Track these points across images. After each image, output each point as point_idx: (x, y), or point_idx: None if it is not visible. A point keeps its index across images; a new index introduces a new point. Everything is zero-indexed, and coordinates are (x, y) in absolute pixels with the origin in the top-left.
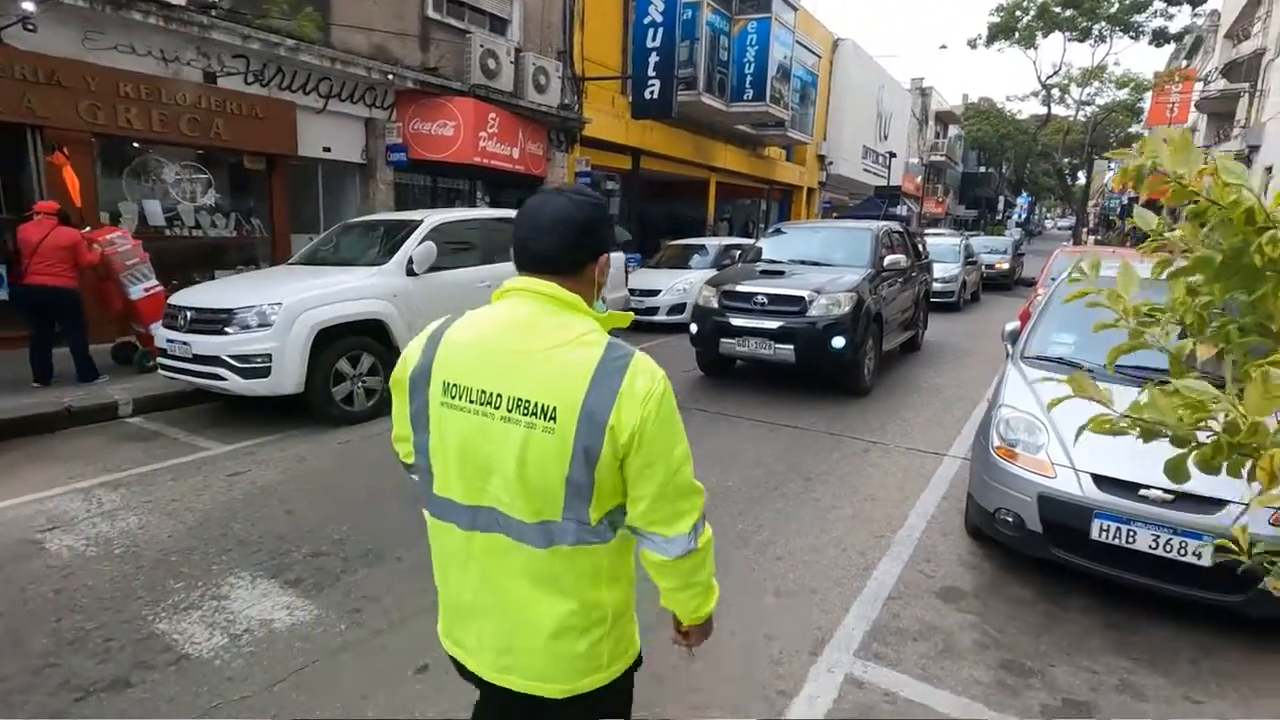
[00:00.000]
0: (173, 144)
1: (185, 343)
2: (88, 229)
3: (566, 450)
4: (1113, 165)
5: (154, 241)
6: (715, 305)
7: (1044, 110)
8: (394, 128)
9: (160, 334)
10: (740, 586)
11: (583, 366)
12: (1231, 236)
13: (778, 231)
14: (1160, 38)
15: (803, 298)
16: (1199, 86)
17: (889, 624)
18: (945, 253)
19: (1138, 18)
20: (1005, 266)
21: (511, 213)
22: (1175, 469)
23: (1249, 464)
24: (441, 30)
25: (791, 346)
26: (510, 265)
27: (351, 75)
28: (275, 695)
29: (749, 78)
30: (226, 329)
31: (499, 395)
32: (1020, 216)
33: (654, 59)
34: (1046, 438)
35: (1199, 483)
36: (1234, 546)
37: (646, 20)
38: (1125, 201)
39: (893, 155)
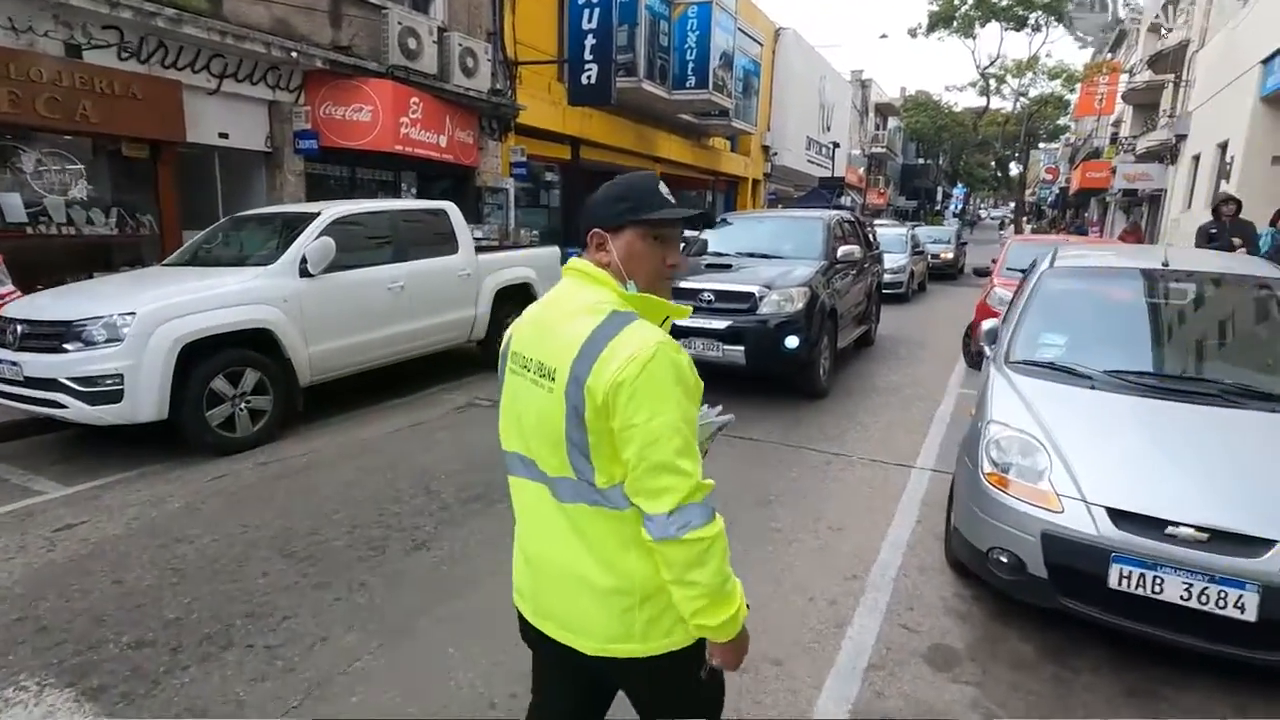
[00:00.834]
0: (29, 127)
1: (15, 363)
2: None
3: (560, 409)
4: (1044, 159)
5: (12, 240)
6: None
7: (983, 101)
8: (302, 112)
9: None
10: None
11: (580, 331)
12: None
13: (723, 222)
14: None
15: (752, 294)
16: (1124, 79)
17: (872, 705)
18: (892, 242)
19: (1071, 6)
20: (950, 256)
21: (430, 204)
22: None
23: None
24: (354, 5)
25: (741, 348)
26: (427, 263)
27: (249, 52)
28: None
29: (691, 64)
30: (66, 345)
31: (531, 359)
32: (957, 207)
33: (590, 41)
34: (1048, 462)
35: (1240, 518)
36: None
37: (581, 0)
38: (1056, 192)
39: (836, 145)
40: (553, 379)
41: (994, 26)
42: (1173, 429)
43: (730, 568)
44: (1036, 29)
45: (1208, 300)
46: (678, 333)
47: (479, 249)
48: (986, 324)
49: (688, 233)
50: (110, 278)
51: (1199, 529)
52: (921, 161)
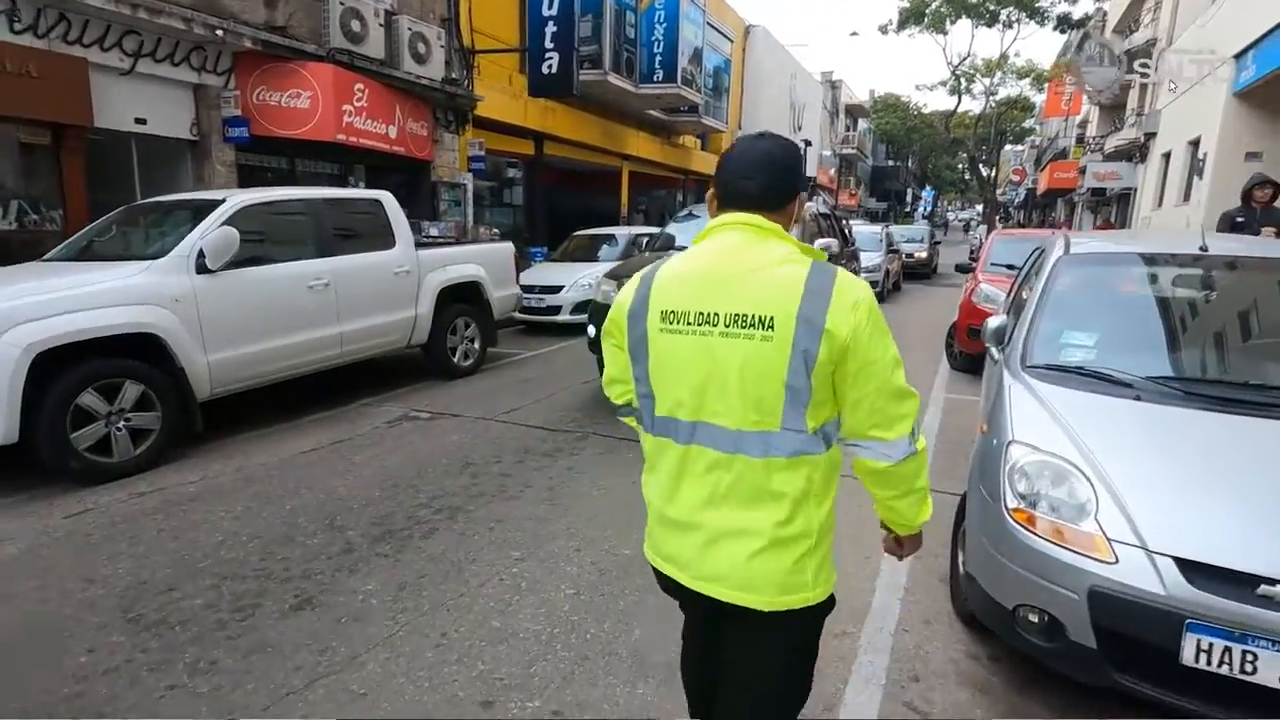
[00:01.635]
0: None
1: None
2: None
3: (784, 355)
4: (1011, 160)
5: None
6: None
7: (953, 101)
8: (232, 97)
9: None
10: None
11: (794, 279)
12: None
13: (690, 215)
14: (1064, 23)
15: None
16: None
17: None
18: (867, 241)
19: (1042, 2)
20: (924, 255)
21: (362, 193)
22: None
23: None
24: None
25: None
26: (357, 258)
27: (168, 29)
28: None
29: (658, 57)
30: None
31: (715, 314)
32: (926, 209)
33: (551, 29)
34: (1090, 494)
35: None
36: None
37: None
38: (1023, 194)
39: (808, 144)
40: (769, 326)
41: (965, 24)
42: (1251, 452)
43: None
44: (1008, 25)
45: (1263, 290)
46: None
47: (429, 244)
48: (992, 321)
49: (653, 229)
50: None
51: None
52: (891, 163)
